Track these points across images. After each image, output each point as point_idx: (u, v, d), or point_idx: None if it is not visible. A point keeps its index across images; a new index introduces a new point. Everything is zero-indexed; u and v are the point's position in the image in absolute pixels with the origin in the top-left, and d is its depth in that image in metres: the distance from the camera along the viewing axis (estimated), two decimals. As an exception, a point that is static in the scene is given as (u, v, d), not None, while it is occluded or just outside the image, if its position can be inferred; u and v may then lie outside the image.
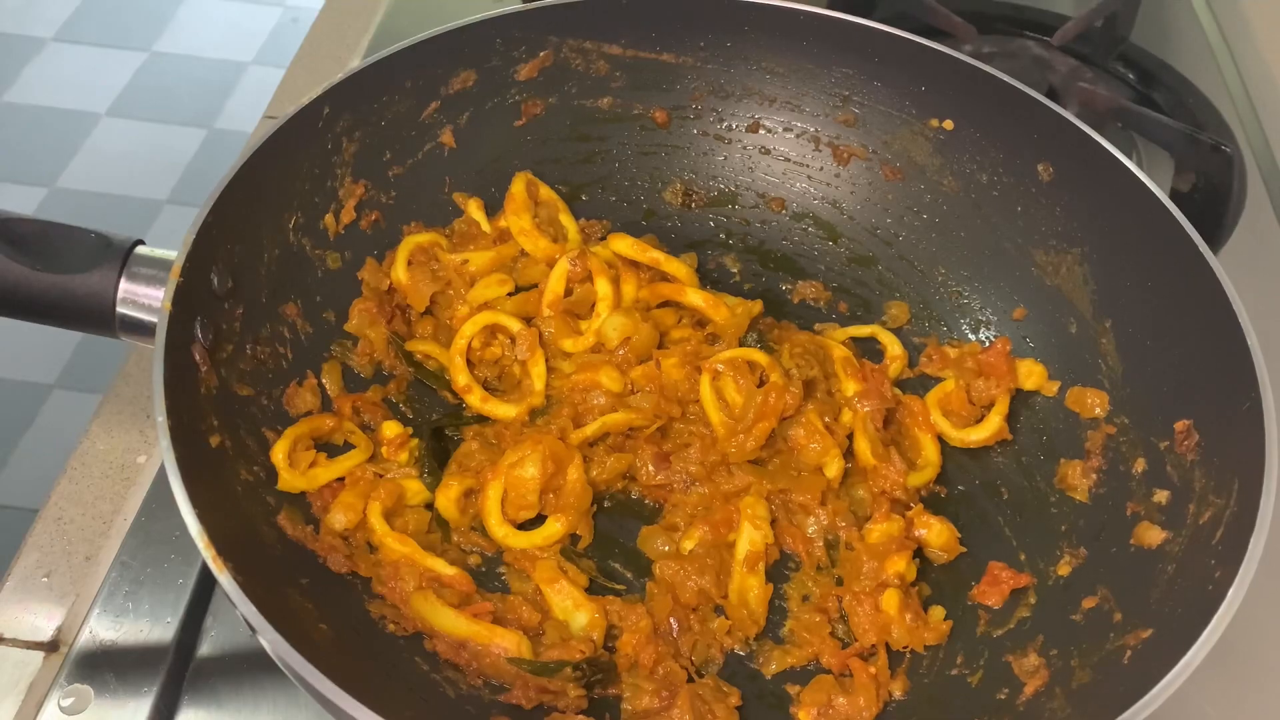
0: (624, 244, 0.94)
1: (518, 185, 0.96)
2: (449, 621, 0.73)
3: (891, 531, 0.80)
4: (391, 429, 0.83)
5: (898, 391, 0.89)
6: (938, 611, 0.78)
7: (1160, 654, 0.62)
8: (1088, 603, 0.74)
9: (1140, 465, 0.78)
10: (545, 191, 0.98)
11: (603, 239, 0.97)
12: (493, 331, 0.90)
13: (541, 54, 0.95)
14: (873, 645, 0.76)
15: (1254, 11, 1.33)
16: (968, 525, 0.84)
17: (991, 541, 0.83)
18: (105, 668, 0.76)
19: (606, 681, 0.73)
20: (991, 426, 0.86)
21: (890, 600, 0.76)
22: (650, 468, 0.83)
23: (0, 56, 3.07)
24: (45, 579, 0.82)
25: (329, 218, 0.88)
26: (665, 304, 0.94)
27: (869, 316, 0.97)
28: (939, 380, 0.91)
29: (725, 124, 1.01)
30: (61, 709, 0.74)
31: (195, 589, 0.80)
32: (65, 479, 0.88)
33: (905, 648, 0.76)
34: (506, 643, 0.72)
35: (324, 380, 0.85)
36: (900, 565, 0.78)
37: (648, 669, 0.74)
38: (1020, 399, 0.89)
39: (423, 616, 0.73)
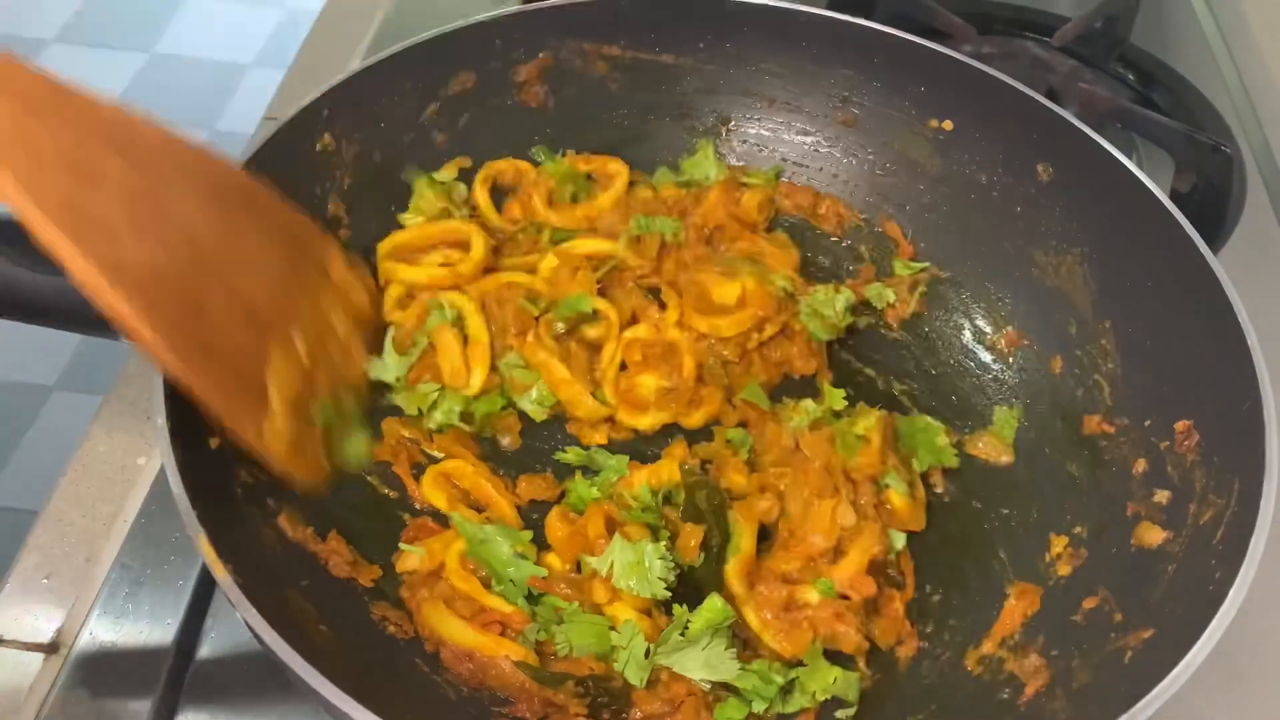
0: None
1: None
2: (456, 631, 0.73)
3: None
4: None
5: None
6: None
7: (1161, 654, 0.62)
8: (1088, 603, 0.74)
9: (1141, 465, 0.78)
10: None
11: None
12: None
13: (541, 55, 0.95)
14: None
15: (1254, 12, 1.33)
16: (968, 526, 0.84)
17: (992, 543, 0.83)
18: (105, 669, 0.76)
19: (617, 709, 0.73)
20: None
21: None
22: None
23: (0, 58, 3.07)
24: (45, 580, 0.82)
25: (330, 218, 0.88)
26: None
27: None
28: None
29: (725, 125, 1.01)
30: (61, 711, 0.74)
31: (195, 591, 0.80)
32: (66, 481, 0.88)
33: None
34: (513, 654, 0.72)
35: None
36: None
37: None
38: (1023, 400, 0.89)
39: (431, 625, 0.74)
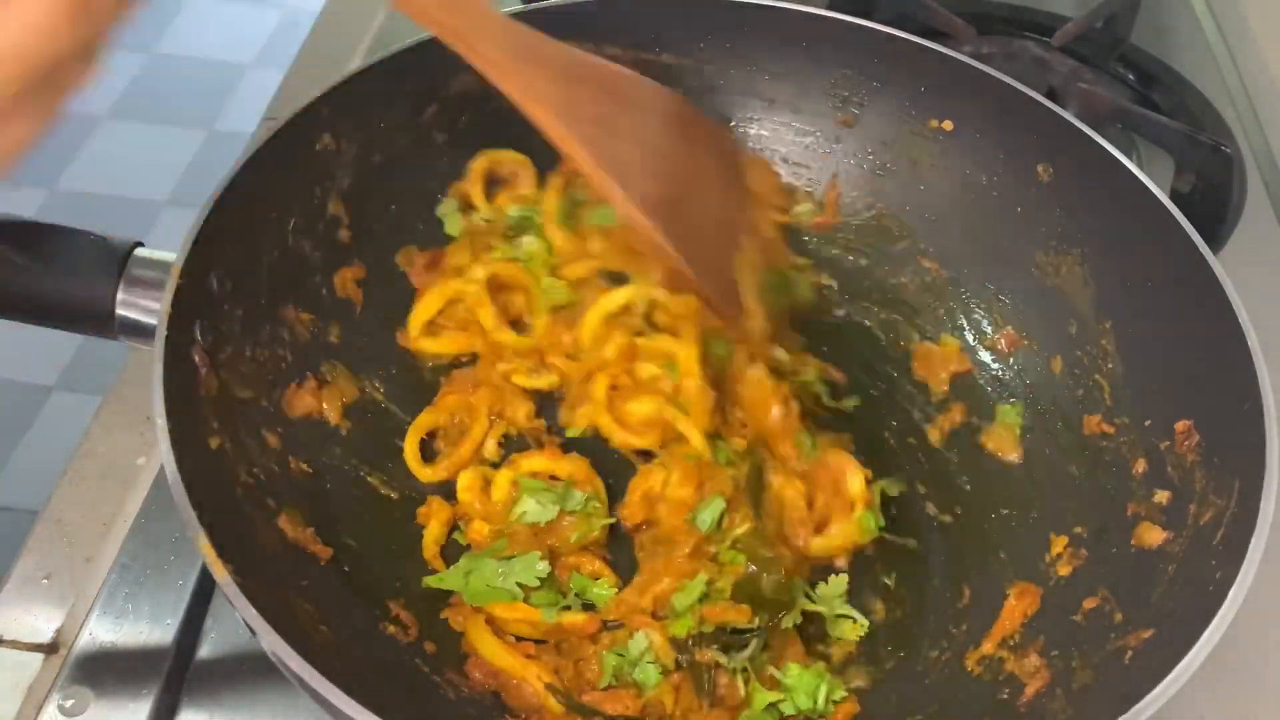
0: None
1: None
2: (490, 648, 0.73)
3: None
4: None
5: None
6: None
7: (1161, 654, 0.62)
8: (1089, 603, 0.74)
9: (1141, 466, 0.78)
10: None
11: None
12: None
13: (541, 55, 0.95)
14: None
15: (1254, 11, 1.33)
16: (968, 526, 0.84)
17: (992, 543, 0.83)
18: (105, 669, 0.76)
19: None
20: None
21: None
22: None
23: None
24: (45, 580, 0.82)
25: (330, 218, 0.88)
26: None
27: (869, 317, 0.97)
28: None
29: (725, 125, 1.01)
30: (61, 711, 0.74)
31: (195, 591, 0.80)
32: (65, 481, 0.88)
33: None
34: (536, 683, 0.72)
35: (325, 379, 0.85)
36: None
37: None
38: (1024, 400, 0.89)
39: (469, 637, 0.74)
